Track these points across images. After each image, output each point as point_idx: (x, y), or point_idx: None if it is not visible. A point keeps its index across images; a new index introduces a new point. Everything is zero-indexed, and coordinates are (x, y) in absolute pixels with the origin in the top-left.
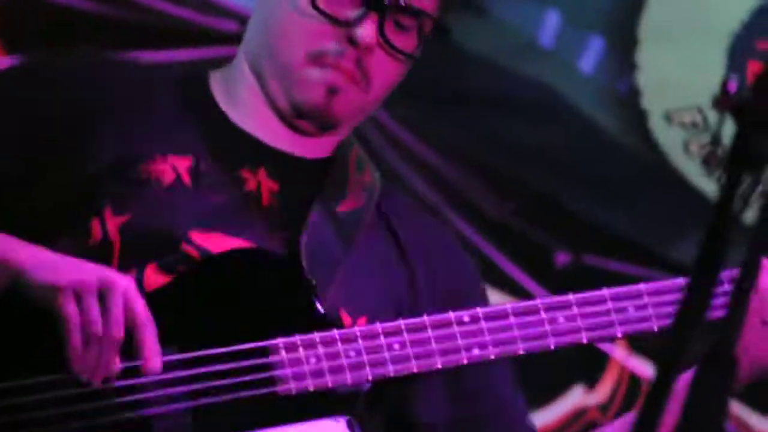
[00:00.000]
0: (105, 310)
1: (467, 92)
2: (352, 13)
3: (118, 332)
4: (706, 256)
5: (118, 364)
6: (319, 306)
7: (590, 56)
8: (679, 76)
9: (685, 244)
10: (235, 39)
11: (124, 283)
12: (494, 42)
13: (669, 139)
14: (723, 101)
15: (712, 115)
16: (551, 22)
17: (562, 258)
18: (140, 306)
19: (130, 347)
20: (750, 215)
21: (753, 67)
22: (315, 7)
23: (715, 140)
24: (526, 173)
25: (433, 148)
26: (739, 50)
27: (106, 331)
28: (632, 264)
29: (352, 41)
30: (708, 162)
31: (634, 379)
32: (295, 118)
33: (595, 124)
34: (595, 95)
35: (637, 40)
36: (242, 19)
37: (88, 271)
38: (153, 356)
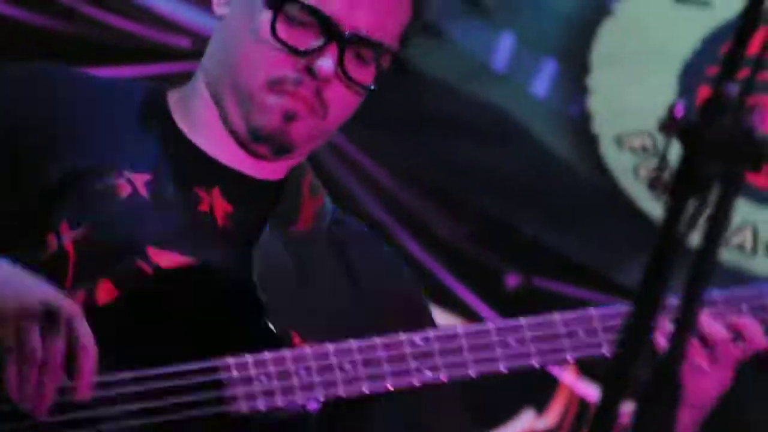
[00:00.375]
0: (46, 338)
1: (421, 114)
2: (312, 44)
3: (56, 361)
4: (650, 279)
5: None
6: (271, 326)
7: (543, 80)
8: (631, 101)
9: (635, 269)
10: (189, 56)
11: (68, 310)
12: (448, 64)
13: (619, 163)
14: (669, 125)
15: (663, 140)
16: (505, 45)
17: (512, 280)
18: (83, 333)
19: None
20: (695, 239)
21: (703, 93)
22: (275, 36)
23: (662, 164)
24: (478, 196)
25: (387, 169)
26: (690, 76)
27: (45, 360)
28: (582, 287)
29: (311, 71)
30: (654, 186)
31: (583, 404)
32: (252, 142)
33: (547, 148)
34: (548, 119)
35: (589, 65)
36: (195, 37)
37: (32, 298)
38: (86, 387)
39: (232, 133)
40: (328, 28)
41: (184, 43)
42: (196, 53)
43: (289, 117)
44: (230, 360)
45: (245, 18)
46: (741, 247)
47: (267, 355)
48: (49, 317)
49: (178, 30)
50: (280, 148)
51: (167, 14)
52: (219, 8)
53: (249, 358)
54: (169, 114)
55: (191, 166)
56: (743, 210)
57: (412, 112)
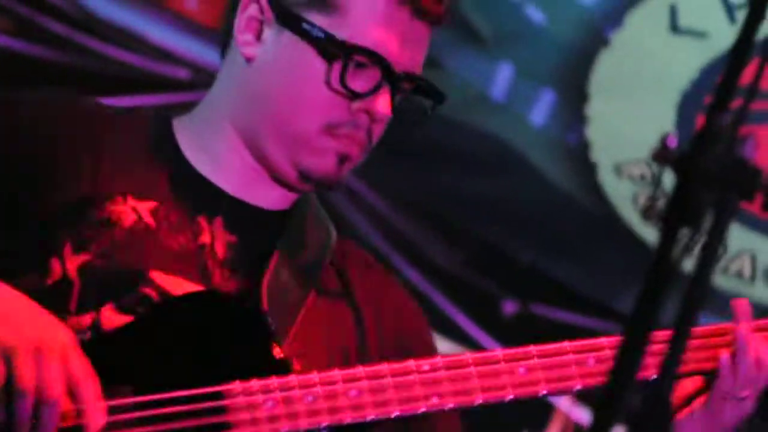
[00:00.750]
0: (39, 372)
1: (419, 144)
2: (368, 86)
3: (51, 394)
4: (642, 306)
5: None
6: (277, 351)
7: (541, 109)
8: (629, 130)
9: (632, 296)
10: (187, 86)
11: (60, 342)
12: (446, 95)
13: (618, 191)
14: (661, 155)
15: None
16: (503, 76)
17: (509, 307)
18: (77, 363)
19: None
20: (689, 265)
21: (702, 122)
22: (343, 84)
23: (656, 193)
24: (476, 223)
25: (386, 198)
26: (688, 106)
27: (39, 393)
28: (580, 314)
29: (368, 112)
30: (647, 215)
31: (578, 429)
32: (300, 183)
33: (546, 176)
34: (546, 147)
35: (587, 94)
36: (194, 67)
37: (25, 332)
38: (95, 413)
39: (275, 174)
40: (385, 70)
41: (182, 73)
42: (194, 84)
43: (343, 159)
44: (236, 385)
45: (293, 64)
46: (740, 274)
47: (273, 380)
48: (39, 353)
49: (175, 61)
50: (328, 187)
51: (164, 45)
52: (247, 49)
53: (255, 383)
54: (175, 143)
55: (196, 195)
56: (742, 237)
57: (410, 141)
